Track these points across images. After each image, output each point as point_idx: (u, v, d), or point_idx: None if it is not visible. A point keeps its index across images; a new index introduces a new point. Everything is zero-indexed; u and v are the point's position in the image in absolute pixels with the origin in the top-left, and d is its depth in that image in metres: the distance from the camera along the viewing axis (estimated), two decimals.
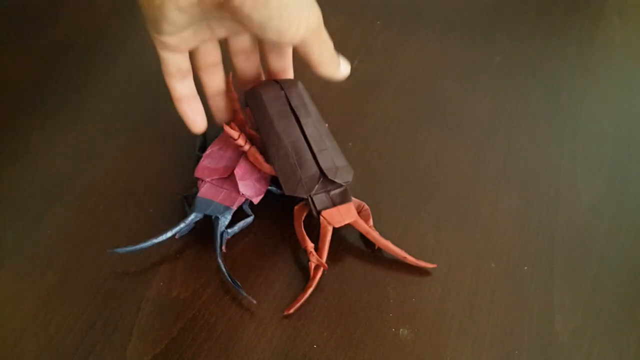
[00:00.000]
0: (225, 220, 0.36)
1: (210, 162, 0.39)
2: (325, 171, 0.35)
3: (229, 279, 0.34)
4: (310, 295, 0.35)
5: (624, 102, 0.47)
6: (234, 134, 0.37)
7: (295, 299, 0.35)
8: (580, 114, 0.46)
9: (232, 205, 0.37)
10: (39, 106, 0.46)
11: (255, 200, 0.37)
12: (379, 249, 0.37)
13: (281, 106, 0.38)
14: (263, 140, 0.38)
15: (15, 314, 0.34)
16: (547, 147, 0.44)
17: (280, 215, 0.39)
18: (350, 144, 0.44)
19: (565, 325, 0.34)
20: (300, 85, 0.40)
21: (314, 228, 0.37)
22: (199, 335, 0.34)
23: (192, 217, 0.36)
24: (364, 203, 0.38)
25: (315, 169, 0.36)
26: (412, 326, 0.34)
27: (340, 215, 0.35)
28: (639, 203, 0.41)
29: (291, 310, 0.34)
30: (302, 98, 0.39)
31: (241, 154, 0.39)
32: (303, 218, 0.37)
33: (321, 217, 0.35)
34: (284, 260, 0.37)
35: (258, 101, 0.38)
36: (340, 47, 0.52)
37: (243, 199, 0.37)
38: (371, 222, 0.37)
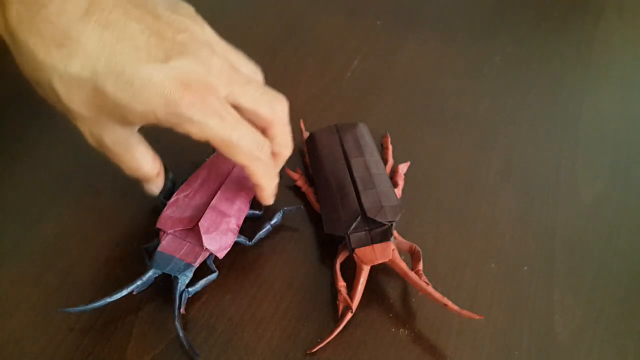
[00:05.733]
0: (185, 278, 0.34)
1: (175, 211, 0.35)
2: (366, 210, 0.35)
3: (187, 347, 0.32)
4: (310, 295, 0.35)
5: (624, 102, 0.47)
6: (295, 175, 0.40)
7: (290, 302, 0.35)
8: (580, 114, 0.46)
9: (194, 262, 0.34)
10: (38, 106, 0.46)
11: (220, 255, 0.35)
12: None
13: (333, 148, 0.39)
14: (315, 181, 0.39)
15: (15, 314, 0.34)
16: (547, 147, 0.44)
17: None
18: None
19: (565, 325, 0.34)
20: (361, 127, 0.41)
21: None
22: (199, 335, 0.34)
23: (150, 274, 0.33)
24: (414, 245, 0.36)
25: (356, 207, 0.36)
26: (412, 326, 0.34)
27: (374, 254, 0.34)
28: (639, 203, 0.40)
29: (314, 350, 0.33)
30: (358, 140, 0.40)
31: (209, 202, 0.36)
32: (343, 258, 0.36)
33: (354, 255, 0.34)
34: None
35: (313, 145, 0.40)
36: (340, 47, 0.52)
37: (207, 254, 0.35)
38: (420, 265, 0.35)
